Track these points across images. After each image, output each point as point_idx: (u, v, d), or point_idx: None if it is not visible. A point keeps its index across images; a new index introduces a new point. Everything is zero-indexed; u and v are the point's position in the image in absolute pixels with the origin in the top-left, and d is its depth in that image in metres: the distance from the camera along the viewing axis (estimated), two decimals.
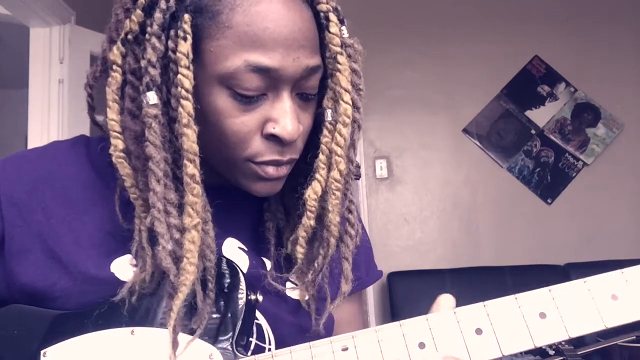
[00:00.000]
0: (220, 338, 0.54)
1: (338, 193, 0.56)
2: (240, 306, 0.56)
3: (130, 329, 0.54)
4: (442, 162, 3.09)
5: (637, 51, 3.10)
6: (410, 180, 3.08)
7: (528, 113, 3.09)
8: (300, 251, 0.59)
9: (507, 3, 3.15)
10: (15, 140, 3.85)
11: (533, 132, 3.07)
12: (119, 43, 0.53)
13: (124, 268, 0.57)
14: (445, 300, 0.54)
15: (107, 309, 0.55)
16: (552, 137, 3.07)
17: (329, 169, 0.56)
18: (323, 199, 0.57)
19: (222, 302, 0.56)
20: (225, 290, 0.56)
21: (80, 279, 0.56)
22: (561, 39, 3.10)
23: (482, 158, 3.07)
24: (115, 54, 0.53)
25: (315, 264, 0.59)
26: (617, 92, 3.06)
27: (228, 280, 0.57)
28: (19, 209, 0.58)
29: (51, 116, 2.30)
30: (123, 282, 0.55)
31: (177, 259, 0.51)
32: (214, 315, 0.55)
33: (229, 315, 0.55)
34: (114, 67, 0.53)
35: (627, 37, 3.10)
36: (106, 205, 0.58)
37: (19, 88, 3.43)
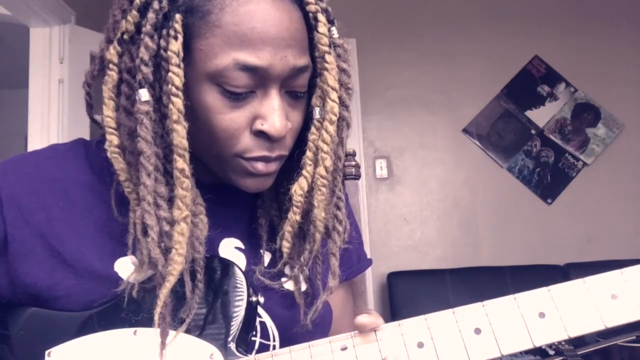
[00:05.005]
0: (207, 330, 0.56)
1: (324, 189, 0.58)
2: (240, 307, 0.56)
3: (133, 329, 0.55)
4: (442, 162, 3.09)
5: (637, 51, 3.10)
6: (410, 180, 3.08)
7: (528, 113, 3.09)
8: (286, 246, 0.60)
9: (507, 3, 3.15)
10: (15, 140, 3.85)
11: (533, 132, 3.07)
12: (115, 43, 0.55)
13: (127, 268, 0.57)
14: (363, 320, 0.54)
15: (110, 310, 0.56)
16: (552, 137, 3.07)
17: (315, 166, 0.58)
18: (310, 194, 0.58)
19: (211, 296, 0.57)
20: (215, 284, 0.57)
21: (84, 277, 0.57)
22: (561, 39, 3.10)
23: (482, 158, 3.07)
24: (112, 53, 0.55)
25: (302, 259, 0.61)
26: (617, 92, 3.06)
27: (219, 276, 0.58)
28: (20, 211, 0.58)
29: (51, 116, 2.30)
30: (127, 283, 0.56)
31: (166, 250, 0.53)
32: (202, 309, 0.56)
33: (218, 309, 0.57)
34: (111, 65, 0.55)
35: (627, 37, 3.10)
36: (106, 207, 0.59)
37: (19, 88, 3.43)
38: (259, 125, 0.55)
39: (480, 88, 3.09)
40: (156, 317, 0.52)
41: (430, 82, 3.10)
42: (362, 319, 0.53)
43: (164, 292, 0.52)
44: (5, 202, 0.58)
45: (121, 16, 0.55)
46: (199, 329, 0.55)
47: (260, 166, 0.57)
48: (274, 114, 0.55)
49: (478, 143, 3.08)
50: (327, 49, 0.57)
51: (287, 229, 0.60)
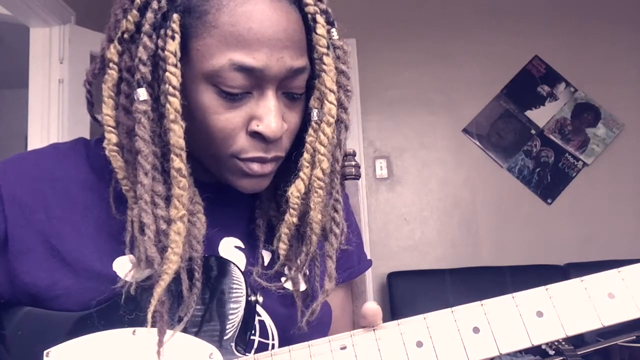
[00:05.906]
0: (205, 329, 0.56)
1: (321, 191, 0.57)
2: (239, 306, 0.56)
3: (131, 329, 0.55)
4: (442, 162, 3.09)
5: (637, 51, 3.10)
6: (410, 180, 3.08)
7: (528, 113, 3.09)
8: (282, 247, 0.60)
9: (507, 3, 3.15)
10: (15, 140, 3.85)
11: (533, 132, 3.07)
12: (116, 42, 0.55)
13: (125, 266, 0.57)
14: (370, 307, 0.53)
15: (109, 309, 0.56)
16: (552, 137, 3.07)
17: (312, 168, 0.58)
18: (307, 196, 0.58)
19: (210, 296, 0.57)
20: (213, 283, 0.58)
21: (83, 276, 0.57)
22: (561, 39, 3.10)
23: (482, 158, 3.07)
24: (112, 52, 0.55)
25: (298, 261, 0.61)
26: (617, 92, 3.06)
27: (217, 275, 0.58)
28: (21, 209, 0.59)
29: (51, 116, 2.30)
30: (125, 282, 0.56)
31: (162, 249, 0.53)
32: (201, 308, 0.56)
33: (216, 308, 0.57)
34: (111, 64, 0.55)
35: (627, 36, 3.11)
36: (106, 206, 0.59)
37: (19, 88, 3.44)
38: (254, 126, 0.55)
39: (480, 88, 3.09)
40: (149, 316, 0.51)
41: (430, 82, 3.11)
42: (370, 305, 0.52)
43: (158, 291, 0.52)
44: (6, 201, 0.59)
45: (122, 15, 0.55)
46: (198, 328, 0.55)
47: (255, 167, 0.57)
48: (270, 115, 0.55)
49: (478, 143, 3.08)
50: (325, 50, 0.57)
51: (284, 231, 0.59)
